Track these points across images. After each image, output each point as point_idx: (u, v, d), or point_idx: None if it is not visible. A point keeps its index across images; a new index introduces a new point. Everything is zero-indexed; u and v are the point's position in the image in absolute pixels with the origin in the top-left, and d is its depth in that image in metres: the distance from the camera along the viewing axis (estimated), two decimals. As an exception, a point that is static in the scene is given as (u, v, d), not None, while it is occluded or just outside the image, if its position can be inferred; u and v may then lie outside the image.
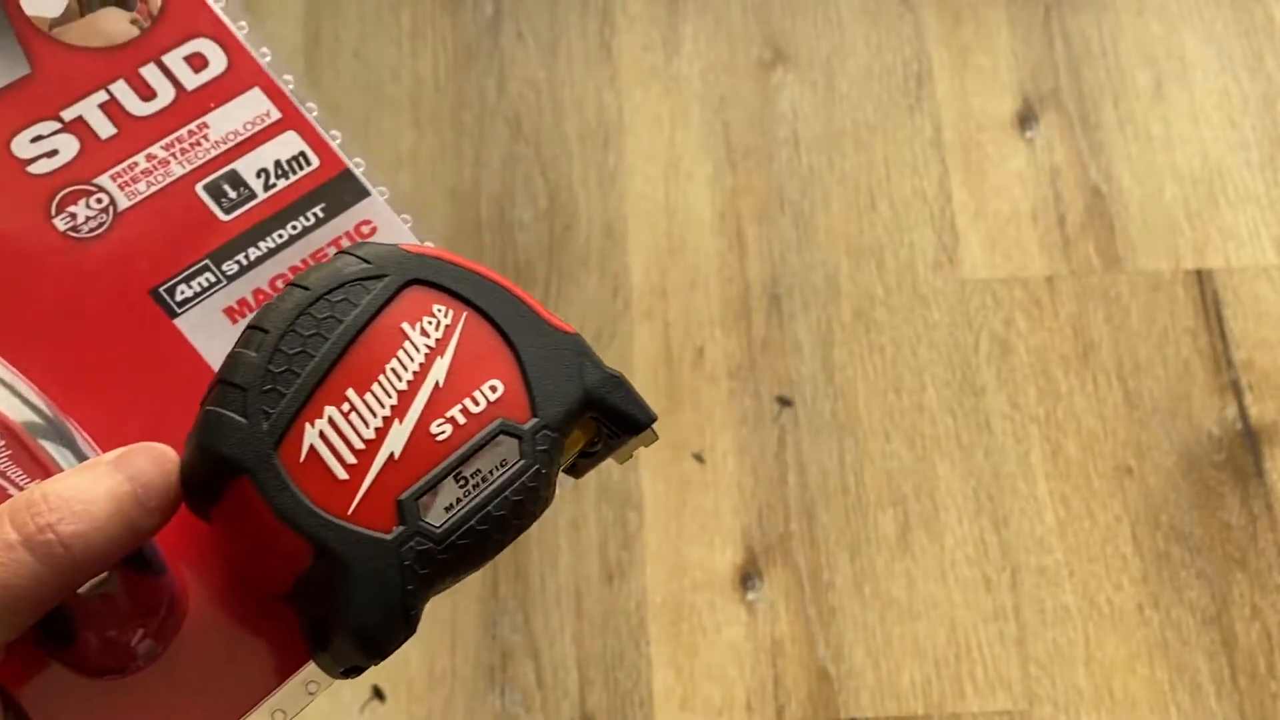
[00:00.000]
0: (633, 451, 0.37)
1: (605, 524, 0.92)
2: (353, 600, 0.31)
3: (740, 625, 0.90)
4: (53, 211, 0.37)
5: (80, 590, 0.31)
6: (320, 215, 0.39)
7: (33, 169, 0.37)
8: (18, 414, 0.33)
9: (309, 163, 0.39)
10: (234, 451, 0.31)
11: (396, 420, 0.32)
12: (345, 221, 0.39)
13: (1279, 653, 0.91)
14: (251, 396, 0.31)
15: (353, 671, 0.33)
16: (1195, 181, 1.04)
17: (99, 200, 0.37)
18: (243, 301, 0.38)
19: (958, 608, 0.91)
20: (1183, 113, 1.06)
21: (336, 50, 1.06)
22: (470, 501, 0.32)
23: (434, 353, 0.33)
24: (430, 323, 0.33)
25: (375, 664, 0.32)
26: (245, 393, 0.31)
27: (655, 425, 0.35)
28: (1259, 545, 0.93)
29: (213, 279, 0.38)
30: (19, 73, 0.38)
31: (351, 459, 0.31)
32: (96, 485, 0.30)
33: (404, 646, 0.32)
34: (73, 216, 0.37)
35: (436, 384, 0.33)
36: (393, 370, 0.32)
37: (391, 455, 0.32)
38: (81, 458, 0.34)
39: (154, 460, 0.32)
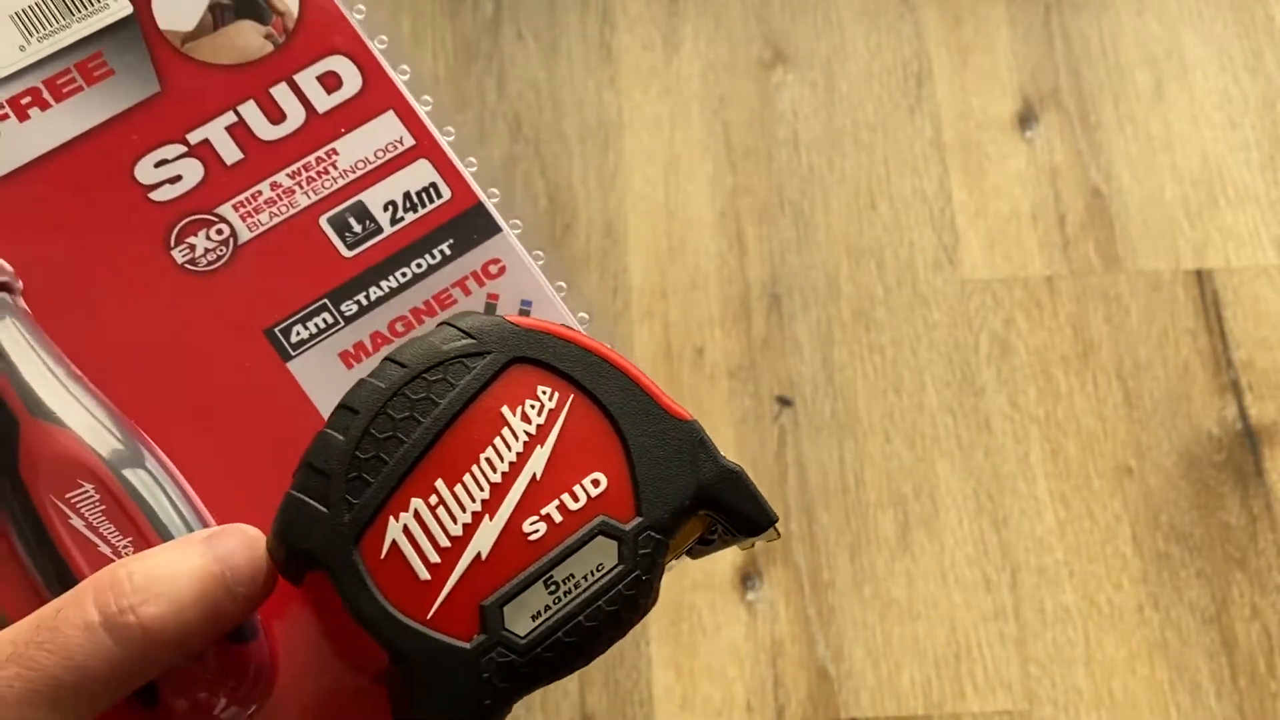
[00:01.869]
0: (754, 543, 0.33)
1: (605, 524, 0.92)
2: (427, 712, 0.29)
3: (740, 625, 0.90)
4: (171, 242, 0.35)
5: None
6: (447, 253, 0.36)
7: (155, 195, 0.36)
8: (120, 463, 0.32)
9: (440, 195, 0.37)
10: (312, 545, 0.29)
11: (487, 517, 0.30)
12: (473, 260, 0.36)
13: (1279, 653, 0.91)
14: (335, 484, 0.29)
15: None
16: (1195, 181, 1.04)
17: (219, 231, 0.35)
18: (359, 345, 0.35)
19: (958, 608, 0.91)
20: (1183, 113, 1.06)
21: (336, 50, 1.06)
22: (560, 610, 0.29)
23: (534, 441, 0.30)
24: (533, 407, 0.30)
25: None
26: (329, 479, 0.29)
27: (777, 524, 0.32)
28: (1259, 545, 0.93)
29: (330, 320, 0.35)
30: (149, 91, 0.36)
31: (435, 558, 0.29)
32: (183, 565, 0.29)
33: None
34: (191, 248, 0.35)
35: (534, 477, 0.30)
36: (487, 460, 0.30)
37: (479, 555, 0.29)
38: (176, 509, 0.32)
39: (245, 544, 0.30)
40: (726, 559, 0.92)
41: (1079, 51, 1.08)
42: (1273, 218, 1.03)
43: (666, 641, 0.90)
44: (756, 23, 1.09)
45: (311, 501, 0.29)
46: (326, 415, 0.33)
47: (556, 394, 0.31)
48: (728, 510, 0.31)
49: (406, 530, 0.29)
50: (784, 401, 0.97)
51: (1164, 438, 0.96)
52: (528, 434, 0.30)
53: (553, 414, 0.30)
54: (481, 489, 0.30)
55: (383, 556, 0.29)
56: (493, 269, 0.36)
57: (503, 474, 0.30)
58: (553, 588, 0.29)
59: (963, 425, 0.96)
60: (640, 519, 0.30)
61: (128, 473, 0.32)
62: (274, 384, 0.35)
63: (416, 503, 0.29)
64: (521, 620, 0.29)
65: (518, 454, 0.30)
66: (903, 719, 0.89)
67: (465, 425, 0.30)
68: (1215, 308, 1.00)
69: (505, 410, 0.30)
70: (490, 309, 0.36)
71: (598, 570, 0.30)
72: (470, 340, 0.30)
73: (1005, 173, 1.04)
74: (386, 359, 0.31)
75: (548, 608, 0.29)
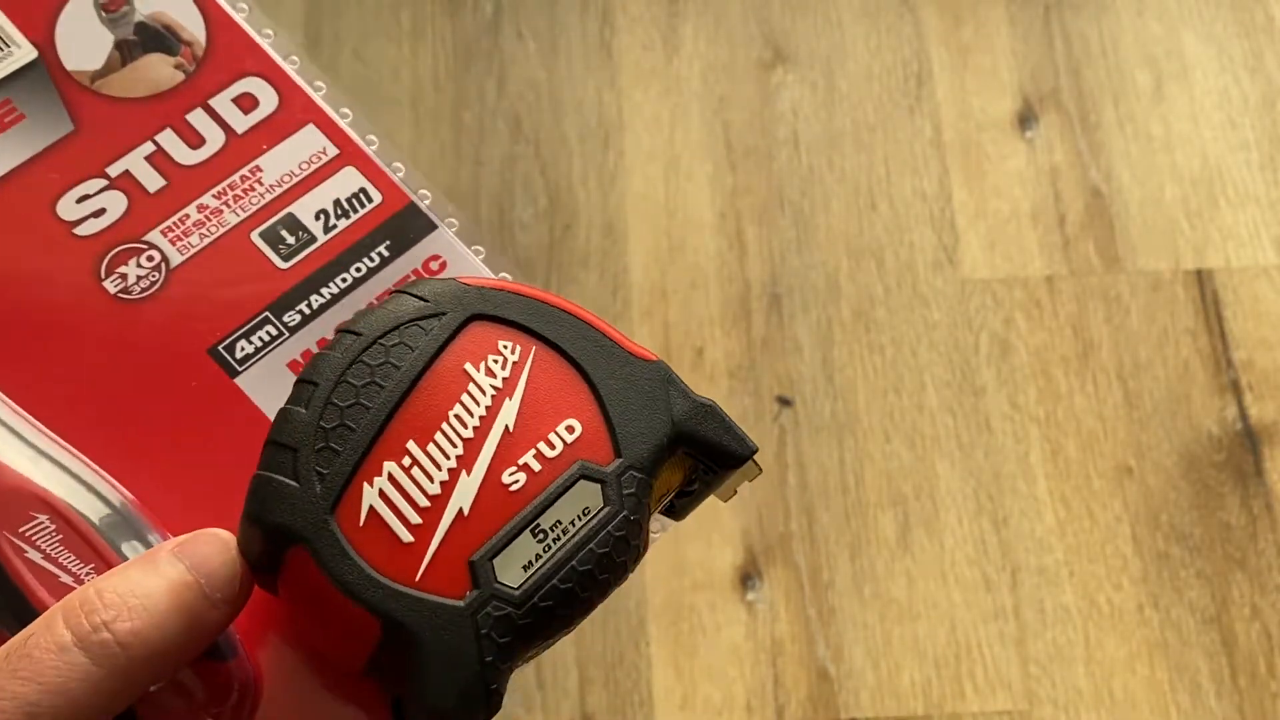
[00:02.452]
0: (736, 487, 0.33)
1: (605, 524, 0.92)
2: (428, 677, 0.28)
3: (740, 625, 0.90)
4: (102, 274, 0.35)
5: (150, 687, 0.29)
6: (385, 254, 0.36)
7: (80, 230, 0.35)
8: (71, 495, 0.31)
9: (370, 199, 0.37)
10: (286, 519, 0.28)
11: (464, 472, 0.29)
12: (412, 259, 0.36)
13: (1279, 653, 0.91)
14: (303, 457, 0.28)
15: None
16: (1195, 181, 1.04)
17: (150, 258, 0.35)
18: (307, 353, 0.35)
19: (958, 608, 0.91)
20: (1183, 113, 1.06)
21: (336, 50, 1.06)
22: (552, 558, 0.29)
23: (501, 394, 0.30)
24: (496, 361, 0.30)
25: None
26: (296, 453, 0.28)
27: (756, 456, 0.32)
28: (1259, 545, 0.93)
29: (274, 332, 0.35)
30: (62, 131, 0.36)
31: (416, 519, 0.28)
32: (154, 577, 0.28)
33: None
34: (123, 278, 0.35)
35: (506, 428, 0.29)
36: (457, 417, 0.29)
37: (460, 511, 0.29)
38: (136, 533, 0.32)
39: (218, 548, 0.29)
40: (726, 558, 0.92)
41: (1079, 51, 1.08)
42: (1273, 218, 1.03)
43: (666, 641, 0.90)
44: (756, 23, 1.09)
45: (281, 477, 0.28)
46: None
47: (518, 347, 0.30)
48: (705, 444, 0.31)
49: (382, 494, 0.28)
50: (784, 401, 0.97)
51: (1164, 438, 0.96)
52: (494, 388, 0.30)
53: (517, 366, 0.30)
54: (455, 445, 0.29)
55: (361, 524, 0.28)
56: (434, 265, 0.37)
57: (474, 429, 0.29)
58: (540, 536, 0.29)
59: (963, 425, 0.96)
60: (620, 459, 0.30)
61: (79, 500, 0.31)
62: (224, 401, 0.35)
63: (390, 465, 0.29)
64: (513, 571, 0.28)
65: (487, 408, 0.29)
66: (903, 719, 0.89)
67: (429, 385, 0.29)
68: (1215, 308, 1.00)
69: (468, 367, 0.30)
70: None
71: (584, 514, 0.29)
72: (424, 303, 0.30)
73: (1005, 173, 1.04)
74: (339, 329, 0.30)
75: (538, 556, 0.29)
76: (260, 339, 0.35)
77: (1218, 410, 0.97)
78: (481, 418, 0.29)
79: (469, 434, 0.29)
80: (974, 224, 1.02)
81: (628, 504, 0.30)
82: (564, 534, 0.29)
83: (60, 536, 0.30)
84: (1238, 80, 1.08)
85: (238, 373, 0.35)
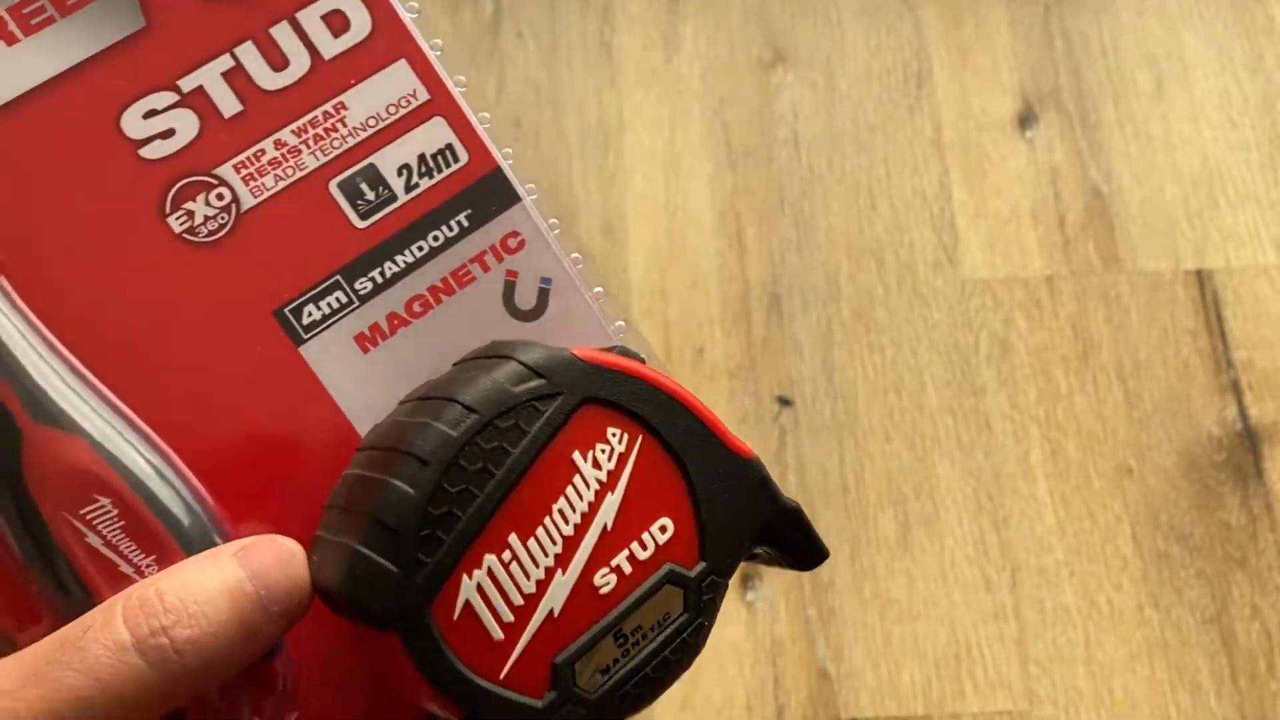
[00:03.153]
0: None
1: (605, 524, 0.92)
2: None
3: (740, 625, 0.90)
4: (168, 207, 0.31)
5: None
6: (465, 224, 0.33)
7: (145, 152, 0.31)
8: (153, 494, 0.29)
9: (457, 159, 0.33)
10: (384, 608, 0.27)
11: (560, 571, 0.28)
12: (491, 233, 0.33)
13: (1279, 653, 0.91)
14: (406, 542, 0.27)
15: None
16: (1195, 181, 1.04)
17: (220, 196, 0.31)
18: (375, 328, 0.32)
19: (958, 608, 0.91)
20: (1183, 113, 1.06)
21: (336, 50, 1.06)
22: (628, 663, 0.29)
23: (605, 488, 0.29)
24: (603, 451, 0.29)
25: None
26: (399, 537, 0.27)
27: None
28: (1259, 545, 0.93)
29: (344, 299, 0.32)
30: (133, 26, 0.31)
31: (509, 616, 0.28)
32: (215, 582, 0.27)
33: None
34: (190, 215, 0.31)
35: (605, 527, 0.29)
36: (560, 511, 0.28)
37: (551, 612, 0.28)
38: (196, 520, 0.30)
39: (280, 559, 0.28)
40: (726, 559, 0.92)
41: (1079, 51, 1.08)
42: (1273, 218, 1.03)
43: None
44: (756, 23, 1.09)
45: (382, 560, 0.27)
46: (342, 404, 0.31)
47: (626, 435, 0.29)
48: (785, 546, 0.31)
49: (480, 588, 0.28)
50: (784, 401, 0.97)
51: (1164, 438, 0.96)
52: (599, 481, 0.29)
53: (623, 458, 0.29)
54: (554, 542, 0.28)
55: (456, 617, 0.28)
56: (511, 243, 0.33)
57: (575, 525, 0.29)
58: (621, 640, 0.29)
59: (963, 425, 0.96)
60: (704, 564, 0.29)
61: (147, 484, 0.29)
62: (286, 370, 0.31)
63: (490, 559, 0.28)
64: (591, 675, 0.29)
65: (589, 503, 0.29)
66: (903, 719, 0.89)
67: (538, 474, 0.28)
68: (1215, 308, 1.00)
69: (576, 456, 0.29)
70: (510, 287, 0.34)
71: (664, 620, 0.29)
72: (540, 381, 0.29)
73: (1005, 173, 1.04)
74: (449, 400, 0.28)
75: (616, 661, 0.29)
76: (330, 305, 0.32)
77: (1218, 410, 0.97)
78: (584, 514, 0.29)
79: (569, 530, 0.29)
80: (974, 224, 1.02)
81: (705, 611, 0.30)
82: (643, 639, 0.29)
83: (122, 523, 0.29)
84: (1238, 80, 1.08)
85: (303, 340, 0.32)
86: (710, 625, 0.30)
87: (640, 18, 1.08)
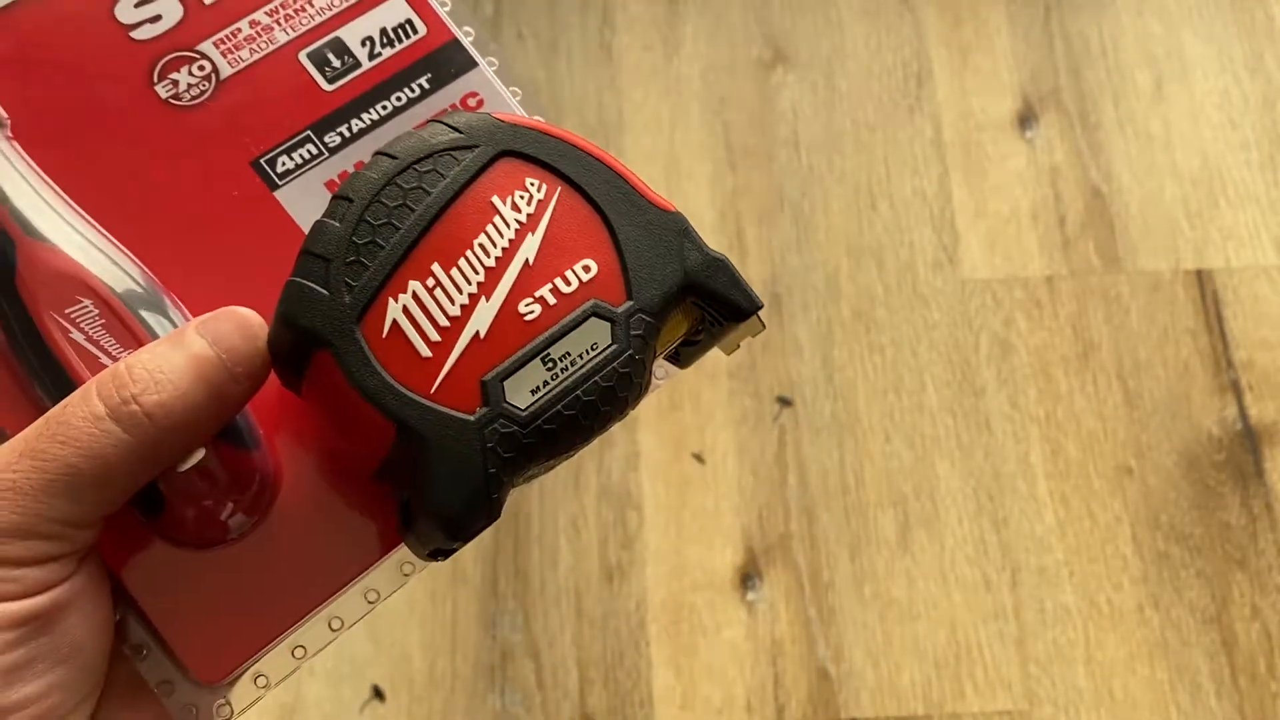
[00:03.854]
0: (739, 341, 0.35)
1: (605, 524, 0.92)
2: (434, 481, 0.30)
3: (740, 625, 0.90)
4: (155, 79, 0.36)
5: (179, 468, 0.31)
6: (426, 86, 0.37)
7: (135, 35, 0.36)
8: (116, 282, 0.33)
9: (415, 31, 0.38)
10: (315, 324, 0.30)
11: (483, 298, 0.31)
12: (451, 94, 0.37)
13: (1279, 653, 0.91)
14: (335, 268, 0.30)
15: (438, 554, 0.32)
16: (1195, 181, 1.04)
17: (201, 68, 0.36)
18: (344, 174, 0.36)
19: (958, 608, 0.91)
20: (1183, 113, 1.06)
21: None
22: (558, 385, 0.31)
23: (525, 229, 0.31)
24: (522, 197, 0.31)
25: (458, 547, 0.31)
26: (328, 264, 0.30)
27: (760, 313, 0.33)
28: (1259, 545, 0.93)
29: (314, 151, 0.36)
30: None
31: (435, 336, 0.30)
32: (179, 353, 0.30)
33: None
34: (174, 84, 0.36)
35: (526, 261, 0.31)
36: (481, 246, 0.31)
37: (477, 334, 0.31)
38: (160, 308, 0.33)
39: (239, 325, 0.31)
40: (726, 558, 0.92)
41: (1079, 51, 1.08)
42: (1273, 218, 1.03)
43: (666, 641, 0.90)
44: (756, 23, 1.09)
45: (313, 285, 0.30)
46: None
47: (544, 185, 0.32)
48: (714, 296, 0.33)
49: (406, 310, 0.30)
50: (784, 401, 0.97)
51: (1164, 438, 0.96)
52: (518, 222, 0.31)
53: (541, 204, 0.31)
54: (476, 273, 0.31)
55: (384, 335, 0.30)
56: (471, 101, 0.37)
57: (496, 259, 0.31)
58: (550, 364, 0.31)
59: (963, 425, 0.96)
60: (631, 302, 0.31)
61: (124, 289, 0.33)
62: (263, 212, 0.36)
63: (414, 284, 0.30)
64: (521, 394, 0.30)
65: (510, 240, 0.31)
66: (903, 719, 0.89)
67: (457, 213, 0.31)
68: (1215, 308, 1.00)
69: (495, 199, 0.31)
70: None
71: (592, 349, 0.31)
72: (458, 134, 0.32)
73: (1005, 173, 1.04)
74: (377, 152, 0.31)
75: (546, 383, 0.31)
76: (301, 156, 0.36)
77: (1218, 410, 0.97)
78: (504, 249, 0.31)
79: (490, 263, 0.31)
80: (974, 224, 1.02)
81: (634, 344, 0.31)
82: (572, 365, 0.31)
83: (102, 321, 0.32)
84: (1238, 80, 1.08)
85: (278, 186, 0.36)
86: (643, 361, 0.32)
87: (640, 18, 1.08)
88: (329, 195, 0.35)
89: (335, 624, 0.35)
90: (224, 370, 0.30)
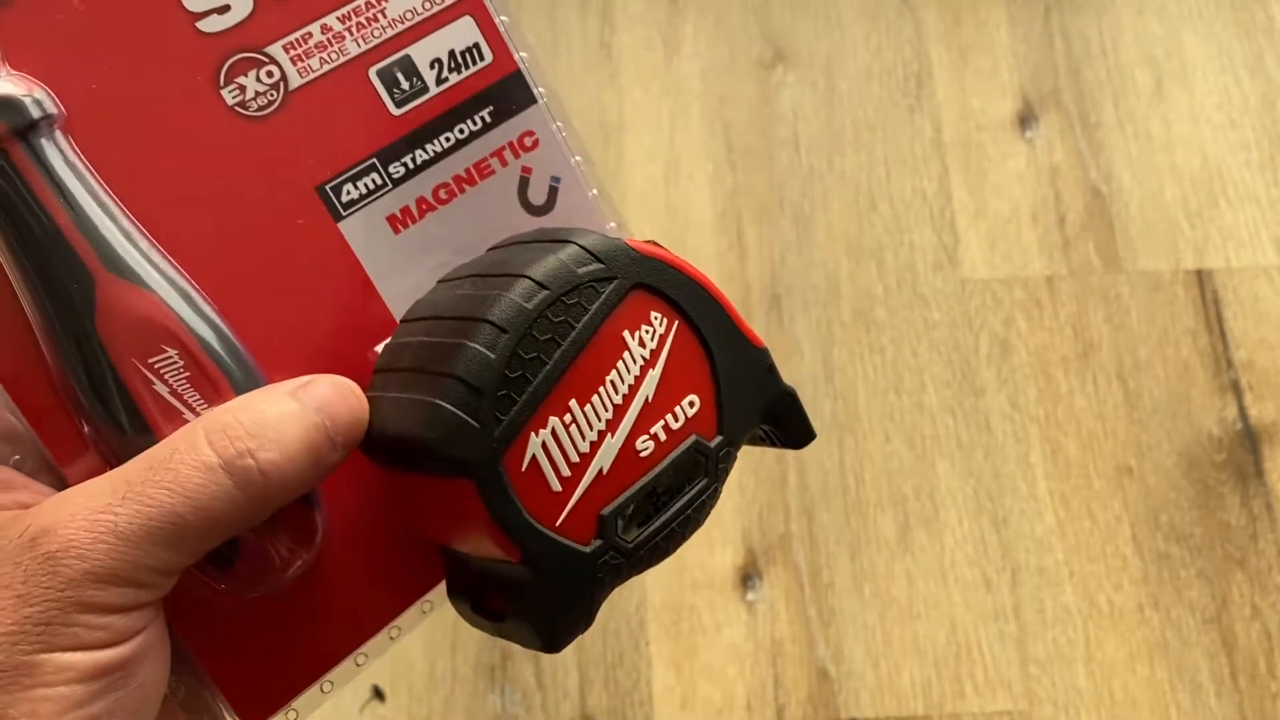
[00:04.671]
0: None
1: (605, 524, 0.92)
2: (546, 603, 0.32)
3: (740, 625, 0.90)
4: (221, 80, 0.33)
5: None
6: (487, 120, 0.35)
7: (203, 25, 0.32)
8: (201, 330, 0.31)
9: (482, 57, 0.36)
10: (466, 456, 0.30)
11: (609, 434, 0.32)
12: (509, 130, 0.36)
13: (1279, 653, 0.91)
14: (486, 401, 0.30)
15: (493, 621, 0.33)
16: (1195, 181, 1.04)
17: (270, 74, 0.33)
18: (406, 210, 0.34)
19: (958, 608, 0.91)
20: (1183, 113, 1.06)
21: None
22: (660, 518, 0.33)
23: (648, 365, 0.33)
24: (647, 331, 0.33)
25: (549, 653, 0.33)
26: (481, 396, 0.30)
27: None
28: (1259, 545, 0.93)
29: (378, 181, 0.34)
30: None
31: (566, 471, 0.31)
32: (286, 413, 0.30)
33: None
34: (242, 89, 0.33)
35: (647, 399, 0.33)
36: (611, 382, 0.32)
37: (601, 470, 0.32)
38: (249, 375, 0.32)
39: (341, 395, 0.31)
40: (726, 558, 0.92)
41: (1079, 51, 1.08)
42: (1273, 218, 1.03)
43: (666, 641, 0.90)
44: (756, 23, 1.09)
45: (465, 417, 0.30)
46: (375, 279, 0.34)
47: (665, 320, 0.33)
48: (783, 426, 0.35)
49: (544, 446, 0.31)
50: (784, 401, 0.97)
51: (1164, 438, 0.96)
52: (643, 358, 0.33)
53: (662, 339, 0.33)
54: (606, 410, 0.32)
55: (524, 469, 0.31)
56: (527, 141, 0.36)
57: (623, 395, 0.32)
58: (654, 499, 0.33)
59: (963, 425, 0.96)
60: (722, 437, 0.34)
61: (209, 340, 0.31)
62: (326, 245, 0.34)
63: (554, 420, 0.31)
64: (630, 529, 0.32)
65: (635, 377, 0.32)
66: (903, 719, 0.89)
67: (595, 348, 0.32)
68: (1215, 308, 1.00)
69: (626, 334, 0.32)
70: (524, 182, 0.37)
71: (689, 484, 0.33)
72: (600, 265, 0.32)
73: (1005, 173, 1.04)
74: (522, 276, 0.31)
75: (650, 516, 0.33)
76: (366, 186, 0.34)
77: (1218, 410, 0.97)
78: (630, 386, 0.32)
79: (618, 400, 0.32)
80: (974, 224, 1.02)
81: (721, 476, 0.34)
82: (671, 498, 0.33)
83: (187, 374, 0.31)
84: (1238, 80, 1.08)
85: (342, 217, 0.34)
86: (721, 489, 0.34)
87: (640, 18, 1.08)
88: (389, 231, 0.34)
89: (360, 660, 0.35)
90: (327, 438, 0.30)
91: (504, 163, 0.36)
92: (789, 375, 0.97)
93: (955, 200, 1.03)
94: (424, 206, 0.35)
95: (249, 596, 0.33)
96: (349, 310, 0.32)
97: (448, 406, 0.30)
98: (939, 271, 1.01)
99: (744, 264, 1.00)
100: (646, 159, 1.03)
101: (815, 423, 0.96)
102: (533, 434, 0.31)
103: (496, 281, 0.32)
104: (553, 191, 0.37)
